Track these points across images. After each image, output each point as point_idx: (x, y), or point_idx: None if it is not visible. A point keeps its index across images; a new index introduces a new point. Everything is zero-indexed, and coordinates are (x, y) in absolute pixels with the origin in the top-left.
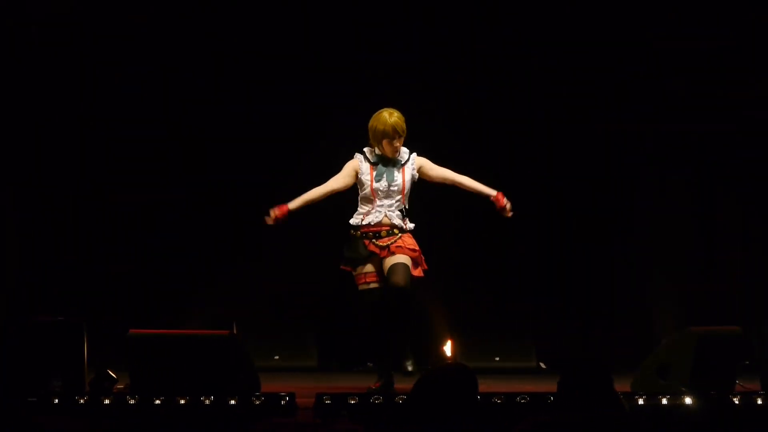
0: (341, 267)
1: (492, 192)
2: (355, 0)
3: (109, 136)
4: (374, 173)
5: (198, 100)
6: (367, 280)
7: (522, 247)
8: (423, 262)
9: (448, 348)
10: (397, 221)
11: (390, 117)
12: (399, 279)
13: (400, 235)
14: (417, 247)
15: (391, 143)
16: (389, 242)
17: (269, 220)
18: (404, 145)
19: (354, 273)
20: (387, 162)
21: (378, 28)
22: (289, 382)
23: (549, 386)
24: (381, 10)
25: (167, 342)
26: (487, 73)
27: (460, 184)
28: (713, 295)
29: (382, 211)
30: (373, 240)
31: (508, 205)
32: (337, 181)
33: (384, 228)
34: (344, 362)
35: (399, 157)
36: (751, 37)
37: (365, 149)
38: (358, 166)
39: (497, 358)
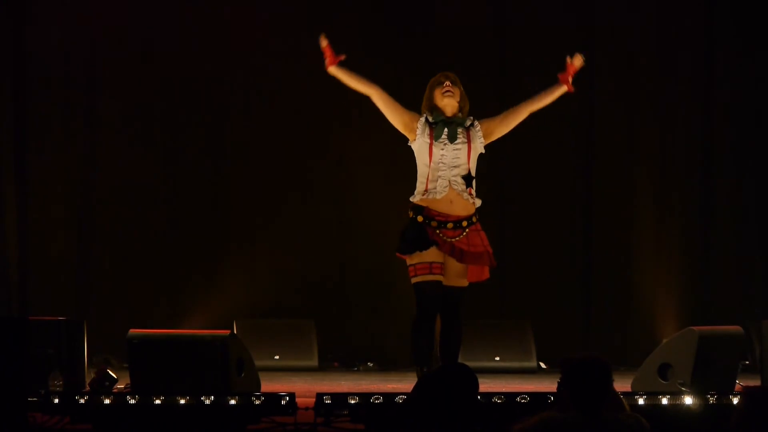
0: (397, 254)
1: (558, 90)
2: None
3: (109, 135)
4: (434, 132)
5: (200, 100)
6: (433, 270)
7: (522, 247)
8: (491, 257)
9: None
10: (465, 195)
11: (442, 72)
12: (454, 305)
13: (467, 229)
14: (484, 243)
15: (441, 90)
16: (454, 236)
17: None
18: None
19: (410, 262)
20: (448, 122)
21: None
22: (290, 381)
23: (549, 386)
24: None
25: (167, 342)
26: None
27: (526, 109)
28: (713, 295)
29: (446, 178)
30: (437, 230)
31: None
32: (388, 101)
33: (452, 218)
34: (345, 362)
35: (463, 119)
36: None
37: (425, 113)
38: (417, 120)
39: (497, 358)
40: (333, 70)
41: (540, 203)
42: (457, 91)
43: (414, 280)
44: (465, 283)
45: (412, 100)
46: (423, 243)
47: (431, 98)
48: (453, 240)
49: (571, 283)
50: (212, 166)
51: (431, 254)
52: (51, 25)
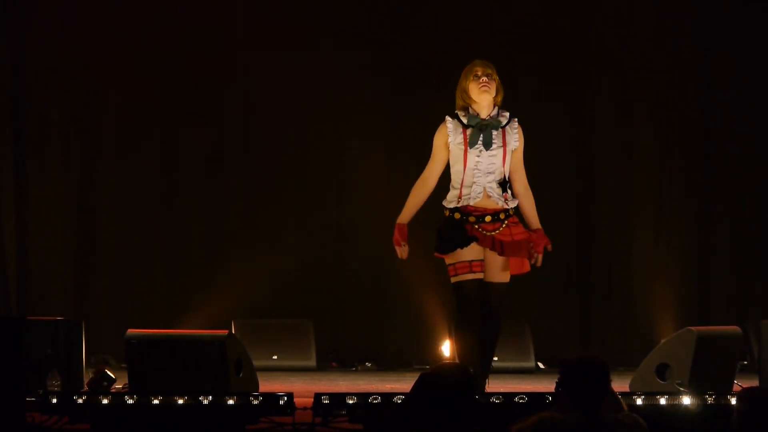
0: (435, 254)
1: (535, 227)
2: None
3: (108, 136)
4: (468, 138)
5: (198, 100)
6: (473, 269)
7: None
8: (529, 250)
9: (446, 347)
10: (500, 201)
11: (478, 60)
12: (497, 302)
13: (506, 221)
14: (524, 235)
15: (478, 85)
16: (494, 229)
17: (403, 253)
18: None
19: (450, 261)
20: (483, 125)
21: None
22: (288, 382)
23: (547, 386)
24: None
25: (166, 342)
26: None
27: (518, 196)
28: (712, 296)
29: (481, 185)
30: (476, 225)
31: (539, 257)
32: (436, 167)
33: (489, 211)
34: (343, 362)
35: (499, 118)
36: None
37: (457, 112)
38: (448, 134)
39: (495, 358)
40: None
41: (538, 203)
42: (493, 85)
43: (454, 280)
44: (507, 278)
45: (413, 99)
46: (463, 240)
47: (466, 89)
48: (493, 233)
49: (570, 283)
50: (210, 167)
51: (471, 252)
52: (49, 31)
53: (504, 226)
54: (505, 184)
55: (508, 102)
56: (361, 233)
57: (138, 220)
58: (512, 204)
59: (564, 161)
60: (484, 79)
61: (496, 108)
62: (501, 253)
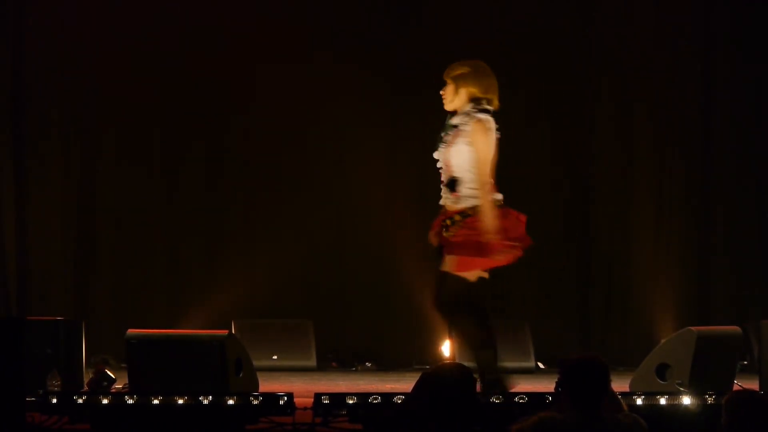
0: None
1: None
2: None
3: (107, 138)
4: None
5: (198, 100)
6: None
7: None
8: (491, 249)
9: (446, 347)
10: (448, 201)
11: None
12: (436, 295)
13: (461, 222)
14: (461, 237)
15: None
16: (440, 228)
17: None
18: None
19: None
20: (446, 126)
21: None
22: (288, 382)
23: (547, 386)
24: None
25: (166, 342)
26: None
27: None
28: (712, 296)
29: (442, 188)
30: (438, 233)
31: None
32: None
33: (448, 214)
34: (343, 362)
35: (458, 116)
36: None
37: None
38: None
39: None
40: None
41: (538, 203)
42: (449, 96)
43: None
44: (455, 271)
45: (413, 99)
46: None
47: None
48: (442, 231)
49: (569, 283)
50: (210, 167)
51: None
52: (49, 31)
53: (458, 226)
54: (453, 183)
55: (507, 102)
56: (361, 233)
57: (138, 220)
58: (463, 204)
59: (564, 161)
60: (442, 93)
61: (471, 103)
62: (440, 249)
